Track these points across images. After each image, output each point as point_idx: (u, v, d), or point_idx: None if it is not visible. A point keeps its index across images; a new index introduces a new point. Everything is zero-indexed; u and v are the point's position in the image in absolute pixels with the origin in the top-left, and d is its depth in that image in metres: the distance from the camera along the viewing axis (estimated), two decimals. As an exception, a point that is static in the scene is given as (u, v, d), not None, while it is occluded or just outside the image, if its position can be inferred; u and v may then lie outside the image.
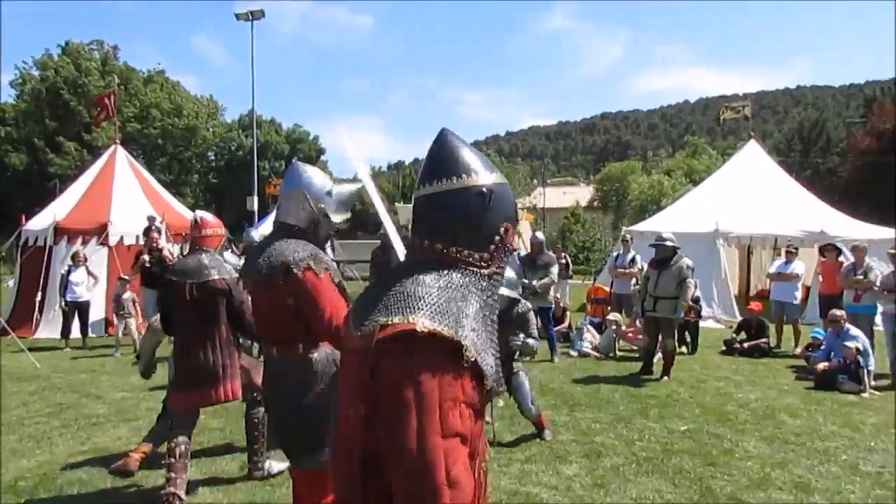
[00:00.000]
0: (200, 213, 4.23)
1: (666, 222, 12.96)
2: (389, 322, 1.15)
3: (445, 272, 1.24)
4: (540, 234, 9.15)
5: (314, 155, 49.62)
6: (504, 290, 4.97)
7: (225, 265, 4.02)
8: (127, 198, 12.08)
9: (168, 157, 44.28)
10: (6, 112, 45.61)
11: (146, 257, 9.37)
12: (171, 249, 10.18)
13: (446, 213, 1.27)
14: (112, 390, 6.97)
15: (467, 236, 1.27)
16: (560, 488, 4.28)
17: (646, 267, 9.04)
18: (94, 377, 7.75)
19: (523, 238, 14.72)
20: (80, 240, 11.07)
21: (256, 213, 24.58)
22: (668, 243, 7.61)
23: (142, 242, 10.47)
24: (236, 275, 3.53)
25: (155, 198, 12.70)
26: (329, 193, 2.71)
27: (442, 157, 1.30)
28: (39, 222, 11.68)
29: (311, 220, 2.67)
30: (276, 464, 4.31)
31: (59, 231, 11.21)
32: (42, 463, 4.72)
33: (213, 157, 49.58)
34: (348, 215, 2.78)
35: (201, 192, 45.42)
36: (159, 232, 9.76)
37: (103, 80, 41.37)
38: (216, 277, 3.86)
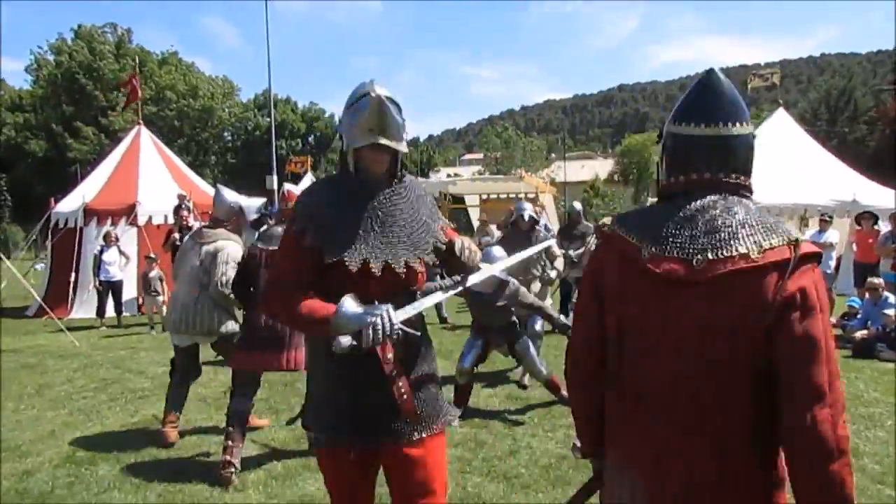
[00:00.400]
0: (288, 186, 4.32)
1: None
2: (797, 241, 1.36)
3: (746, 201, 1.46)
4: (577, 204, 9.12)
5: (330, 133, 49.60)
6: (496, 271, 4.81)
7: None
8: (153, 178, 12.17)
9: (185, 138, 44.53)
10: (23, 98, 46.00)
11: (177, 235, 9.47)
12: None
13: (747, 152, 1.48)
14: (152, 365, 7.08)
15: (749, 172, 1.50)
16: (608, 454, 4.30)
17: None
18: (132, 353, 7.89)
19: (546, 211, 14.68)
20: (109, 220, 11.19)
21: (276, 192, 24.68)
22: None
23: (171, 221, 10.58)
24: None
25: (180, 177, 12.79)
26: (350, 106, 2.01)
27: (738, 101, 1.47)
28: (69, 204, 11.82)
29: (341, 155, 2.10)
30: None
31: (88, 212, 11.34)
32: (96, 435, 4.83)
33: (229, 138, 49.77)
34: (370, 141, 1.94)
35: (220, 172, 45.67)
36: (189, 210, 9.85)
37: (118, 63, 41.53)
38: None
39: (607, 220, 1.60)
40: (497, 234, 12.39)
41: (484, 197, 19.99)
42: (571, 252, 8.40)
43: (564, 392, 5.37)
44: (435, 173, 49.59)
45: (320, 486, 3.79)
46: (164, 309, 9.77)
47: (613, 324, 1.48)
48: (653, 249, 1.42)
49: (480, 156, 59.90)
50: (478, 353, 5.27)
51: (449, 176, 39.62)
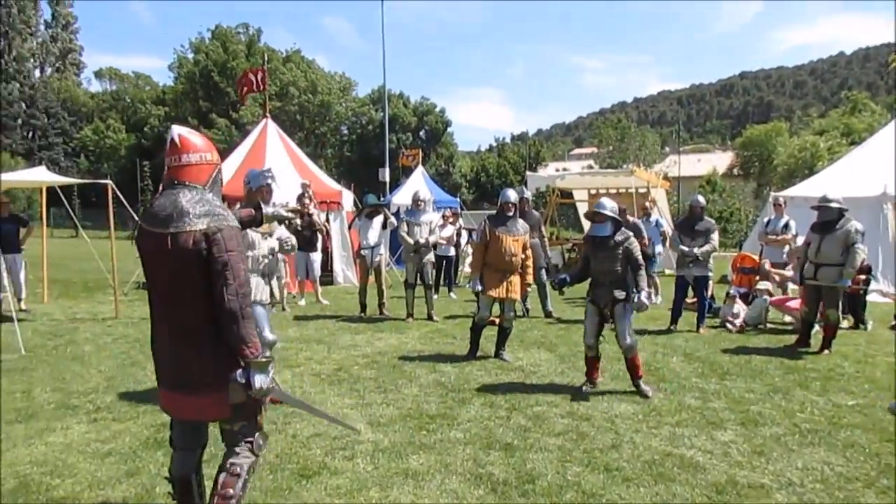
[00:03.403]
0: (178, 130, 2.80)
1: (823, 186, 11.90)
2: None
3: None
4: (700, 198, 8.74)
5: (441, 127, 50.31)
6: (609, 212, 5.38)
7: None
8: (277, 168, 12.88)
9: (305, 132, 46.74)
10: (166, 94, 50.33)
11: (298, 221, 10.06)
12: (318, 215, 10.85)
13: None
14: (273, 342, 7.58)
15: None
16: (716, 453, 4.16)
17: (797, 233, 8.40)
18: (255, 330, 8.46)
19: (658, 206, 14.15)
20: (237, 205, 11.94)
21: (388, 184, 25.46)
22: (834, 205, 7.00)
23: (292, 207, 11.22)
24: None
25: (301, 167, 13.50)
26: None
27: None
28: (202, 190, 12.81)
29: None
30: None
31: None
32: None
33: (345, 132, 51.65)
34: None
35: (335, 165, 47.59)
36: (310, 198, 10.43)
37: (248, 61, 44.31)
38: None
39: None
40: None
41: (593, 192, 19.55)
42: (696, 249, 8.11)
43: (648, 388, 5.40)
44: (543, 168, 49.05)
45: (424, 462, 3.96)
46: (286, 290, 10.41)
47: None
48: None
49: (590, 150, 58.64)
50: (595, 323, 5.53)
51: (557, 171, 39.07)
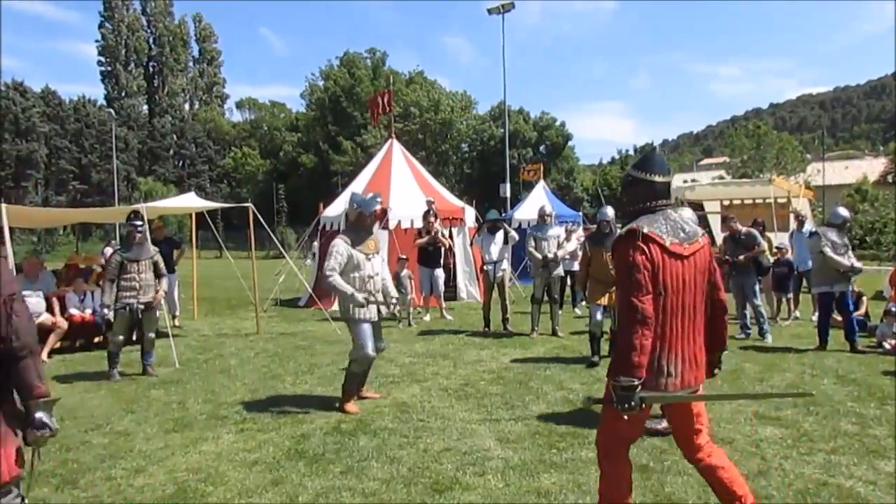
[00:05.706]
0: None
1: None
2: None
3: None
4: (844, 211, 8.07)
5: (561, 141, 49.80)
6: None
7: None
8: (403, 186, 13.34)
9: (427, 150, 47.99)
10: (299, 120, 53.89)
11: (423, 238, 10.34)
12: (443, 232, 11.07)
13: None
14: (400, 356, 7.80)
15: None
16: (880, 484, 3.76)
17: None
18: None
19: (803, 216, 13.12)
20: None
21: (509, 199, 25.52)
22: None
23: (418, 225, 11.52)
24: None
25: (425, 185, 13.85)
26: None
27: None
28: (334, 210, 13.47)
29: None
30: None
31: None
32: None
33: (466, 149, 52.48)
34: None
35: (456, 181, 48.40)
36: (435, 216, 10.66)
37: (372, 85, 46.42)
38: None
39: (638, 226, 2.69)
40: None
41: (726, 203, 18.52)
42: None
43: None
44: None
45: (556, 482, 3.88)
46: (411, 305, 10.67)
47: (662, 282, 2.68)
48: (671, 239, 2.71)
49: (721, 160, 55.49)
50: None
51: (685, 182, 37.22)
